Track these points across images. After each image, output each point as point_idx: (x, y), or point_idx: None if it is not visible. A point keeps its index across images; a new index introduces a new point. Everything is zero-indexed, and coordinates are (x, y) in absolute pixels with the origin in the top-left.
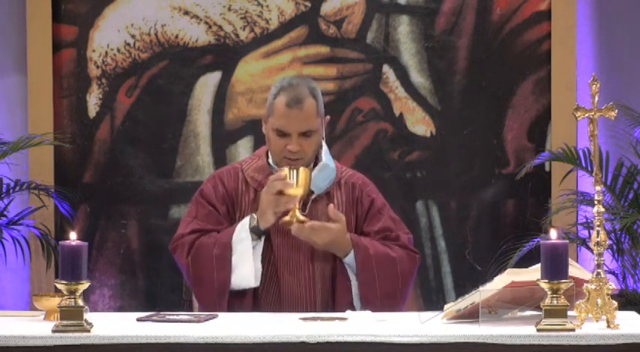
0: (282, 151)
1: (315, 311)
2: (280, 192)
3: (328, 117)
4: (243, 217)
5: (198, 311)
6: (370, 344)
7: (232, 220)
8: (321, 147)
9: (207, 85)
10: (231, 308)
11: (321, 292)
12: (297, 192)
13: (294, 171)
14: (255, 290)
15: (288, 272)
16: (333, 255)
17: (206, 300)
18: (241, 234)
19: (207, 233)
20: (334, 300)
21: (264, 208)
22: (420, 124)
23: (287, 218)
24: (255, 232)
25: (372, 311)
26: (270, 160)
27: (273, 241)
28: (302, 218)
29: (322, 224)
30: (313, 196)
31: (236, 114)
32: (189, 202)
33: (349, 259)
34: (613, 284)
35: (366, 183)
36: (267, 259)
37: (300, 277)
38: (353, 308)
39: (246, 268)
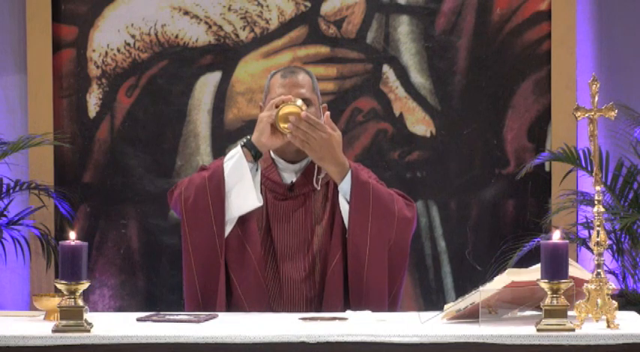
0: None
1: (314, 298)
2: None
3: (325, 104)
4: None
5: (194, 265)
6: (370, 344)
7: None
8: None
9: (207, 84)
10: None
11: (320, 278)
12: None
13: (292, 102)
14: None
15: (288, 259)
16: (330, 237)
17: (202, 234)
18: (232, 153)
19: None
20: (322, 294)
21: (260, 119)
22: (420, 124)
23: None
24: (248, 147)
25: (359, 244)
26: (272, 153)
27: (273, 229)
28: (298, 103)
29: (319, 121)
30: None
31: (236, 114)
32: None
33: (345, 184)
34: (613, 284)
35: (360, 168)
36: (267, 247)
37: (300, 264)
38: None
39: (243, 186)
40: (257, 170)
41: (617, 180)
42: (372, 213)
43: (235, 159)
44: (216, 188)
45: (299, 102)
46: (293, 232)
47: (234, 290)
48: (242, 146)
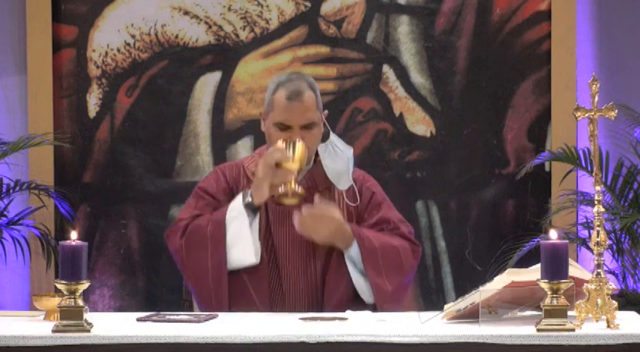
0: None
1: (318, 305)
2: (277, 165)
3: (326, 111)
4: None
5: (197, 305)
6: (370, 344)
7: None
8: (320, 142)
9: (207, 84)
10: (230, 295)
11: (321, 280)
12: (294, 165)
13: (291, 145)
14: (257, 288)
15: (290, 262)
16: (328, 252)
17: (203, 288)
18: (234, 210)
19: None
20: (323, 296)
21: (260, 180)
22: (420, 124)
23: (282, 190)
24: (250, 208)
25: (386, 305)
26: None
27: (274, 233)
28: (299, 191)
29: (322, 212)
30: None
31: (236, 114)
32: (190, 195)
33: (353, 251)
34: (613, 284)
35: (366, 179)
36: (268, 251)
37: (301, 267)
38: (351, 304)
39: (243, 244)
40: (256, 215)
41: (617, 180)
42: (386, 275)
43: (238, 221)
44: (217, 249)
45: (295, 165)
46: (294, 236)
47: None
48: (244, 205)
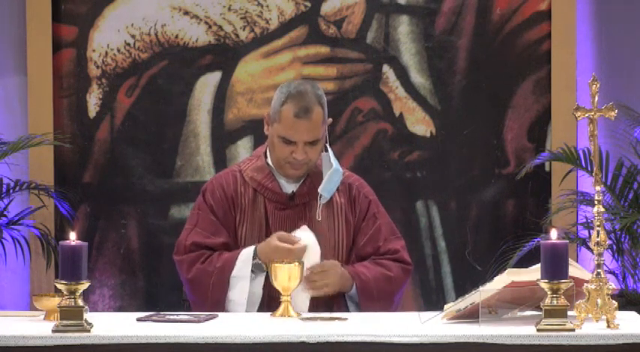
0: (286, 158)
1: (319, 309)
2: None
3: (330, 119)
4: (242, 218)
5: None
6: (370, 344)
7: (232, 223)
8: (325, 150)
9: (207, 84)
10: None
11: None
12: (291, 284)
13: (287, 266)
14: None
15: None
16: (334, 250)
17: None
18: (242, 270)
19: (205, 250)
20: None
21: (270, 254)
22: (420, 124)
23: (279, 313)
24: (258, 267)
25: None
26: (269, 160)
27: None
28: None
29: (322, 265)
30: (324, 201)
31: (236, 114)
32: (193, 203)
33: (352, 292)
34: (613, 284)
35: (362, 185)
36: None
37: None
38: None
39: (240, 296)
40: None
41: (617, 180)
42: (377, 302)
43: (239, 287)
44: (217, 299)
45: (295, 266)
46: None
47: None
48: (253, 265)
